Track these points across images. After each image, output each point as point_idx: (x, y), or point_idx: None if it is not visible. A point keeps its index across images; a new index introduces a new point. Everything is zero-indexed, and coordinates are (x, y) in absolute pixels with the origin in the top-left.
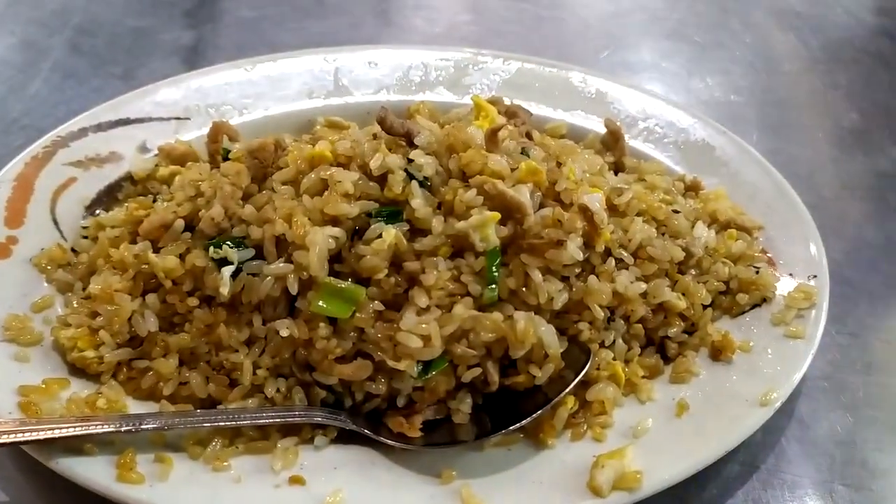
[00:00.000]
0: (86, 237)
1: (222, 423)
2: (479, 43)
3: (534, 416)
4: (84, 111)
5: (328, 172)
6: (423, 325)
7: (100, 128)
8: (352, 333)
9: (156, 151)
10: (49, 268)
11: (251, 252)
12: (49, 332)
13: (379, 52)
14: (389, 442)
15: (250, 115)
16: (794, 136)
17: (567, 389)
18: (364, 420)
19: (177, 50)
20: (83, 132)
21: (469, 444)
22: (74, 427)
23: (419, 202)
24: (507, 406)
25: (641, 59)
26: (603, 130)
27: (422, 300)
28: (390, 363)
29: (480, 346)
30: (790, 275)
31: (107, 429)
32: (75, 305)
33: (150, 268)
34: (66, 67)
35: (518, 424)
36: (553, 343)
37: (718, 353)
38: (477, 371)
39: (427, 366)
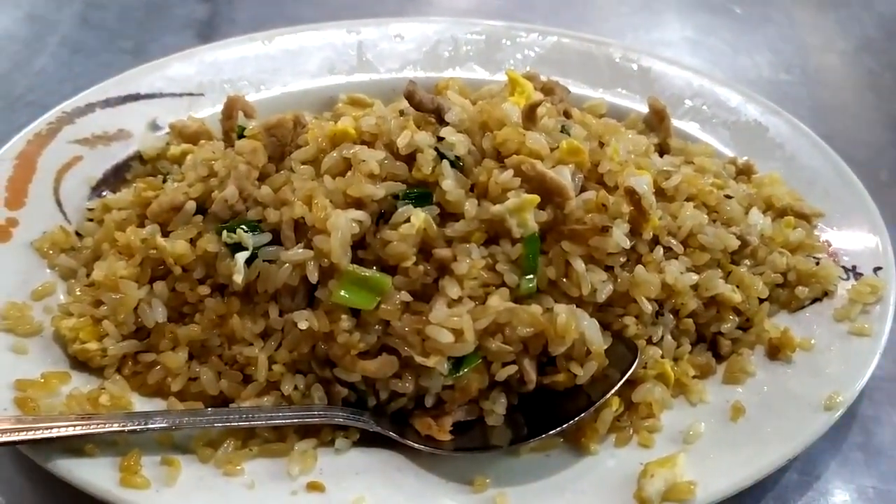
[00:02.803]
0: (91, 220)
1: (235, 424)
2: (509, 17)
3: (575, 419)
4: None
5: (351, 151)
6: (455, 318)
7: (108, 103)
8: (376, 326)
9: (167, 129)
10: (51, 252)
11: (268, 237)
12: (49, 322)
13: (405, 24)
14: (416, 446)
15: (268, 91)
16: (850, 119)
17: (612, 391)
18: (389, 421)
19: (191, 24)
20: (90, 108)
21: (503, 450)
22: (74, 426)
23: (450, 184)
24: (546, 408)
25: (682, 35)
26: (645, 110)
27: (453, 291)
28: (418, 359)
29: (517, 342)
30: (853, 267)
31: (110, 428)
32: (78, 293)
33: (159, 253)
34: (75, 42)
35: (558, 429)
36: (597, 339)
37: (776, 352)
38: (513, 369)
39: (458, 362)
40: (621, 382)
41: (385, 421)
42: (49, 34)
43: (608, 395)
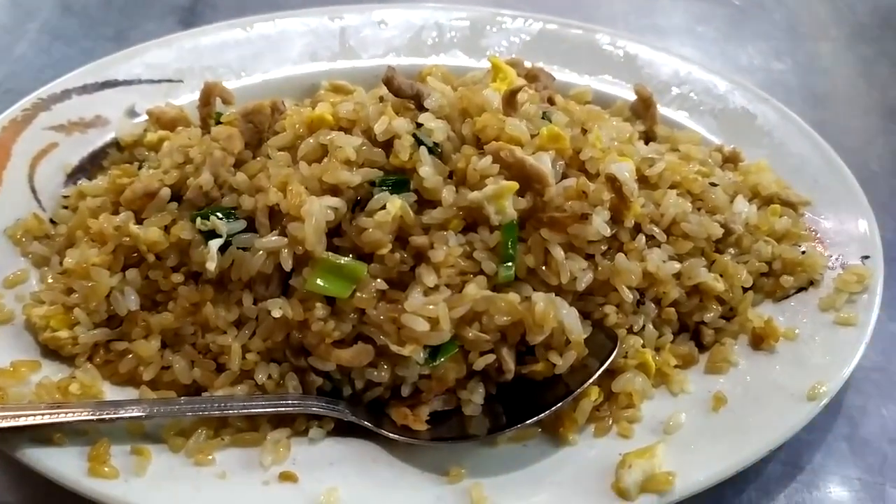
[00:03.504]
0: (66, 207)
1: (207, 413)
2: (498, 3)
3: (552, 409)
4: None
5: (328, 137)
6: (431, 307)
7: (85, 90)
8: (352, 315)
9: (145, 116)
10: (24, 240)
11: (242, 224)
12: (21, 310)
13: (389, 11)
14: (392, 435)
15: (248, 78)
16: (841, 107)
17: (590, 380)
18: (365, 411)
19: (173, 10)
20: (66, 94)
21: (480, 440)
22: (43, 415)
23: (428, 170)
24: (524, 397)
25: (673, 22)
26: (632, 97)
27: (430, 279)
28: (394, 348)
29: (494, 331)
30: (840, 256)
31: (79, 417)
32: (50, 281)
33: (132, 240)
34: (55, 28)
35: (535, 418)
36: (576, 328)
37: (760, 341)
38: (490, 358)
39: (435, 351)
40: (600, 372)
41: (361, 411)
42: (29, 20)
43: (587, 385)
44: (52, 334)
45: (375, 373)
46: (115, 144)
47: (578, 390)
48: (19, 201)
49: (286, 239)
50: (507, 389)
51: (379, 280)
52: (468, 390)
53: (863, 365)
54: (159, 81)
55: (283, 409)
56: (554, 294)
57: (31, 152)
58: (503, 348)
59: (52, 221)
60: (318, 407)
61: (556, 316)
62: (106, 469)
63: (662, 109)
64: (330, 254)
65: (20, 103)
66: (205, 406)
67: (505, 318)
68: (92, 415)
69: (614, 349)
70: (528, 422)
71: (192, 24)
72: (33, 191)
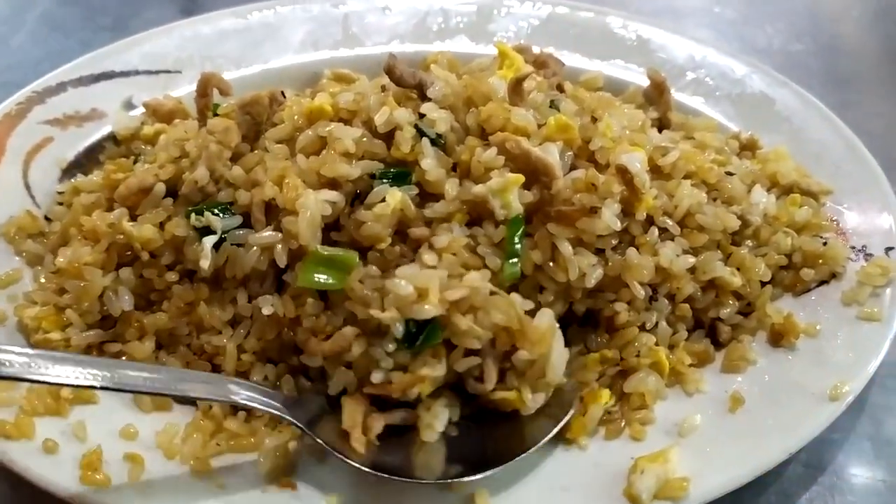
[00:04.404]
0: (61, 204)
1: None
2: None
3: (503, 466)
4: None
5: (327, 129)
6: (422, 277)
7: (80, 82)
8: (345, 308)
9: (142, 108)
10: (17, 238)
11: (238, 220)
12: (13, 311)
13: None
14: (324, 445)
15: (248, 68)
16: (864, 90)
17: (544, 440)
18: (326, 403)
19: None
20: (62, 87)
21: (423, 483)
22: None
23: (430, 162)
24: (478, 441)
25: (689, 3)
26: (645, 82)
27: (430, 257)
28: (373, 312)
29: (487, 328)
30: (863, 247)
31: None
32: (43, 281)
33: (126, 238)
34: (54, 18)
35: (483, 474)
36: (559, 367)
37: (779, 338)
38: (474, 361)
39: (417, 334)
40: (553, 433)
41: (302, 411)
42: (27, 10)
43: (538, 445)
44: (44, 336)
45: (349, 353)
46: (112, 138)
47: (530, 450)
48: (13, 198)
49: (280, 234)
50: (464, 427)
51: (373, 268)
52: (431, 413)
53: (887, 361)
54: (157, 72)
55: (209, 392)
56: (558, 325)
57: (26, 147)
58: (489, 356)
59: (46, 219)
60: (247, 397)
61: (552, 342)
62: (98, 476)
63: (677, 95)
64: (319, 246)
65: (14, 97)
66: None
67: (500, 318)
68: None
69: (569, 412)
70: (477, 476)
71: (192, 12)
72: (27, 187)
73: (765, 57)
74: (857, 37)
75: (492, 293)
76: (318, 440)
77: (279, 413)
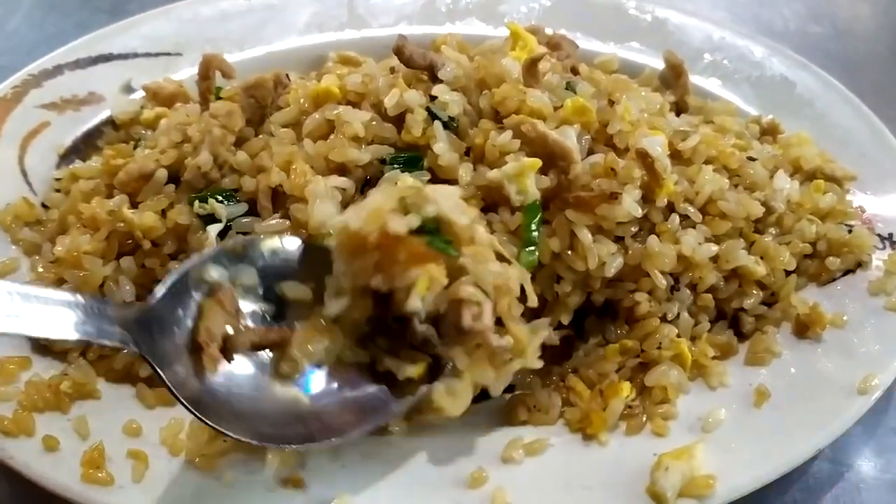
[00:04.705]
0: (58, 190)
1: None
2: None
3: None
4: None
5: (335, 112)
6: None
7: (78, 65)
8: None
9: (141, 92)
10: (14, 226)
11: (243, 207)
12: None
13: None
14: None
15: (251, 50)
16: (884, 74)
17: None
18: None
19: None
20: (58, 70)
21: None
22: None
23: (443, 147)
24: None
25: None
26: (661, 65)
27: None
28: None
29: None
30: (889, 235)
31: None
32: (41, 270)
33: (126, 226)
34: (50, 0)
35: (305, 446)
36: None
37: (805, 329)
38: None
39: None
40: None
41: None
42: None
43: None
44: None
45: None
46: (111, 123)
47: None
48: (9, 185)
49: (288, 222)
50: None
51: None
52: (301, 347)
53: None
54: (157, 55)
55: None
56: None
57: (22, 132)
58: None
59: (44, 206)
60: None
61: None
62: (101, 474)
63: (694, 78)
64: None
65: (10, 80)
66: None
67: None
68: None
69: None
70: (298, 447)
71: None
72: (24, 173)
73: (781, 39)
74: (875, 19)
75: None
76: (147, 358)
77: (119, 343)
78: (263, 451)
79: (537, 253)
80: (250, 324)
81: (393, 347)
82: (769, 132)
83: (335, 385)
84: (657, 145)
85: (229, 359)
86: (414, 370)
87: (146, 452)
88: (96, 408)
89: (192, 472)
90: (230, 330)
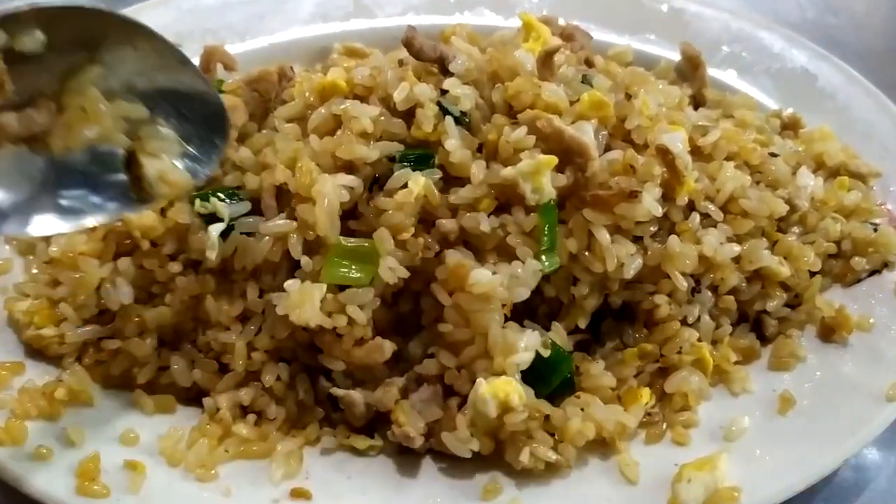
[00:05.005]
0: None
1: None
2: None
3: None
4: None
5: (342, 107)
6: None
7: None
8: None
9: None
10: None
11: (247, 206)
12: (2, 305)
13: None
14: None
15: (253, 41)
16: None
17: None
18: None
19: None
20: None
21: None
22: None
23: (455, 143)
24: None
25: None
26: (677, 57)
27: None
28: None
29: None
30: None
31: None
32: (35, 272)
33: (124, 225)
34: None
35: None
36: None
37: (830, 333)
38: None
39: None
40: None
41: None
42: None
43: None
44: (36, 332)
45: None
46: None
47: None
48: None
49: (295, 223)
50: None
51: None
52: None
53: None
54: None
55: None
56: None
57: None
58: None
59: None
60: None
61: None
62: (96, 486)
63: (711, 71)
64: (342, 238)
65: None
66: None
67: None
68: None
69: None
70: None
71: None
72: None
73: (797, 31)
74: (894, 11)
75: None
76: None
77: None
78: (266, 460)
79: (556, 256)
80: None
81: None
82: (790, 126)
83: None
84: (678, 141)
85: None
86: None
87: (143, 463)
88: (92, 416)
89: (191, 483)
90: None
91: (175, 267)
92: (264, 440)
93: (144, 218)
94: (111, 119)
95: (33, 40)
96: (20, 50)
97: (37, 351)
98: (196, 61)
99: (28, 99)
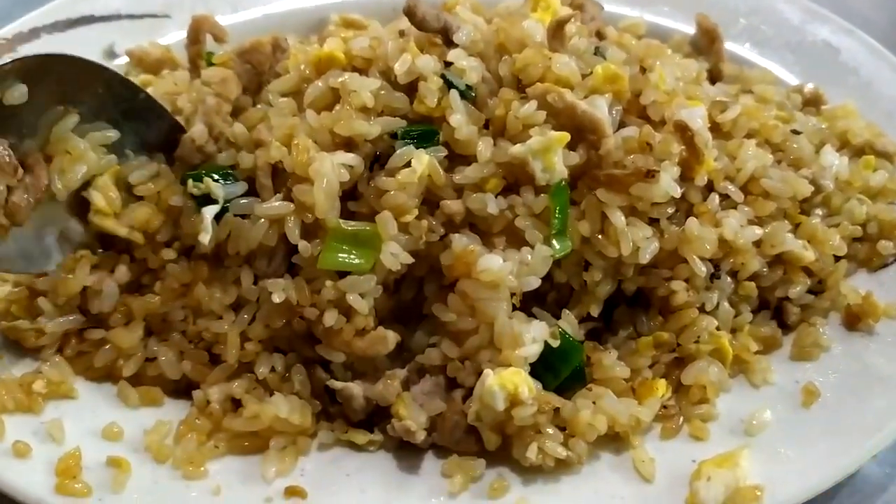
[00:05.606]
0: None
1: None
2: None
3: None
4: None
5: (339, 80)
6: None
7: (55, 27)
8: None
9: (125, 57)
10: None
11: (242, 186)
12: None
13: None
14: None
15: (246, 12)
16: None
17: None
18: None
19: None
20: (35, 33)
21: None
22: None
23: (460, 119)
24: None
25: None
26: (692, 30)
27: None
28: None
29: None
30: None
31: None
32: None
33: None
34: None
35: None
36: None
37: (856, 321)
38: None
39: None
40: None
41: None
42: None
43: None
44: (11, 324)
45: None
46: None
47: None
48: None
49: (292, 204)
50: None
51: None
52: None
53: None
54: (142, 17)
55: None
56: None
57: None
58: None
59: None
60: None
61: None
62: (77, 485)
63: (728, 44)
64: (342, 221)
65: None
66: None
67: None
68: None
69: None
70: None
71: None
72: None
73: (818, 2)
74: None
75: None
76: None
77: None
78: (258, 457)
79: (569, 240)
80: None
81: None
82: (812, 103)
83: None
84: (698, 117)
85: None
86: None
87: (128, 459)
88: (73, 409)
89: (179, 481)
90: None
91: (169, 254)
92: (257, 435)
93: (138, 212)
94: (92, 151)
95: (19, 93)
96: (9, 104)
97: (14, 342)
98: (184, 32)
99: (20, 157)
